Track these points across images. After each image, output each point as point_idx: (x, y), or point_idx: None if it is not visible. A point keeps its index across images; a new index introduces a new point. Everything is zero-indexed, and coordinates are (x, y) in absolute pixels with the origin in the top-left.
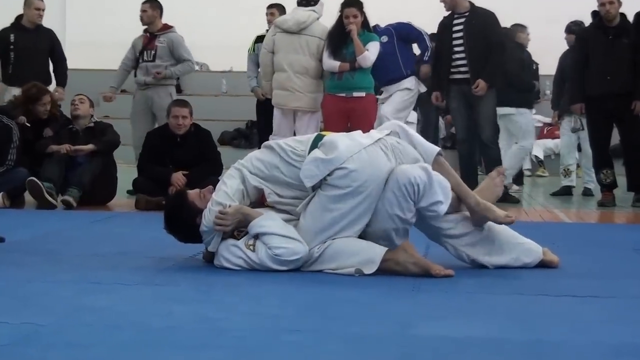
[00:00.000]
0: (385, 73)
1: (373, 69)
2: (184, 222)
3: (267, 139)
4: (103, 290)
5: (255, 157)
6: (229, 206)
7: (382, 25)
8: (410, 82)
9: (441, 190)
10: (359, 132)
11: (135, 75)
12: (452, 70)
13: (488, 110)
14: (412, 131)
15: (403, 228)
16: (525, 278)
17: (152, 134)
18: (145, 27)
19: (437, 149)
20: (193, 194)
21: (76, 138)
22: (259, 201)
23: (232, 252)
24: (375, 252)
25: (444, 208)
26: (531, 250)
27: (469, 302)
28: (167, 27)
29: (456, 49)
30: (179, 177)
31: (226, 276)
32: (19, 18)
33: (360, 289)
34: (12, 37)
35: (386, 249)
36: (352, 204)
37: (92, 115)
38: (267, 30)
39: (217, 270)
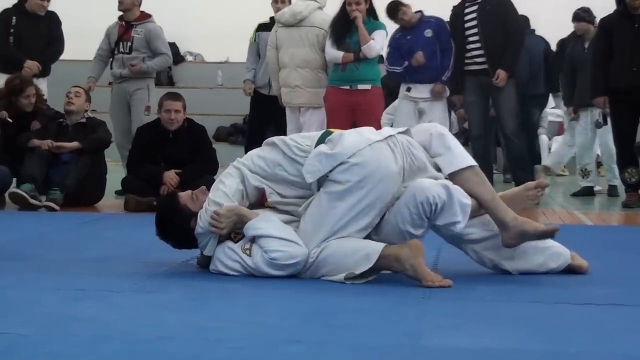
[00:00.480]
0: (422, 70)
1: (408, 58)
2: (177, 227)
3: (256, 137)
4: (90, 298)
5: (256, 155)
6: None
7: (428, 13)
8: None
9: (460, 209)
10: (370, 128)
11: (111, 67)
12: (467, 61)
13: (510, 102)
14: (450, 136)
15: None
16: (545, 285)
17: (142, 130)
18: (121, 13)
19: (470, 162)
20: (185, 196)
21: (64, 134)
22: (259, 202)
23: (229, 256)
24: (372, 248)
25: (461, 227)
26: (559, 254)
27: (485, 311)
28: (145, 16)
29: (470, 38)
30: (171, 176)
31: (222, 283)
32: (22, 0)
33: (367, 297)
34: (13, 19)
35: (384, 244)
36: (352, 201)
37: (86, 110)
38: (271, 19)
39: (212, 276)
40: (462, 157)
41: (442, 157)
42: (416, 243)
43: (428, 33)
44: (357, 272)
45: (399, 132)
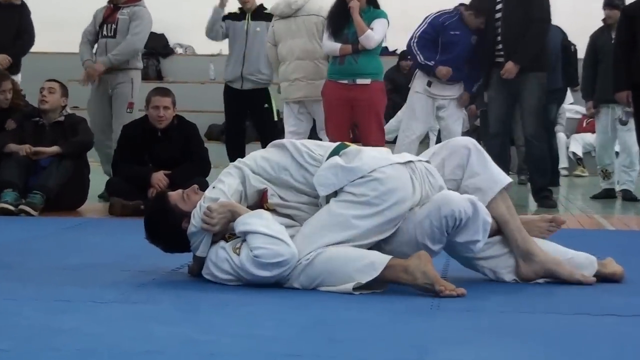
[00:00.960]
0: (454, 67)
1: (443, 52)
2: (167, 229)
3: (235, 137)
4: (73, 310)
5: (260, 156)
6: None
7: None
8: (461, 90)
9: (482, 227)
10: (388, 150)
11: (95, 54)
12: (496, 53)
13: (532, 100)
14: (489, 157)
15: None
16: (562, 295)
17: (128, 128)
18: None
19: (507, 180)
20: (175, 195)
21: (41, 134)
22: (258, 204)
23: (219, 256)
24: (377, 257)
25: (480, 246)
26: (583, 265)
27: (498, 323)
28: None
29: (499, 30)
30: (159, 178)
31: (215, 292)
32: None
33: (369, 308)
34: None
35: (390, 256)
36: (362, 215)
37: (63, 107)
38: (240, 9)
39: (204, 285)
40: (499, 178)
41: (480, 178)
42: (424, 253)
43: (474, 40)
44: (363, 281)
45: (419, 160)
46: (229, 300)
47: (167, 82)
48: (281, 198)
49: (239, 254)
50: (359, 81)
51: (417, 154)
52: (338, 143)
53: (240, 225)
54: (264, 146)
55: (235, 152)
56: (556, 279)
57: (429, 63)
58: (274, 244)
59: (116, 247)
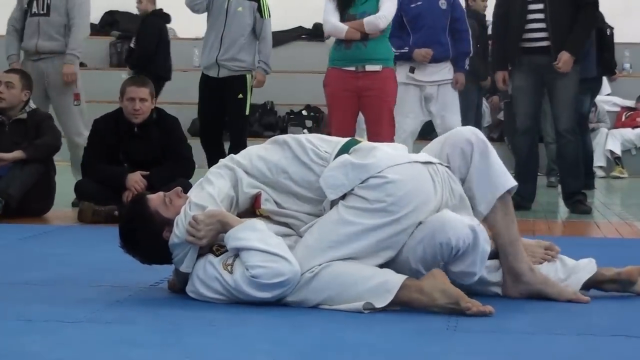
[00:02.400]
0: (432, 47)
1: (414, 30)
2: (146, 238)
3: (212, 133)
4: (36, 330)
5: (257, 155)
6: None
7: None
8: (451, 72)
9: (480, 259)
10: (404, 146)
11: (21, 40)
12: (525, 37)
13: (568, 93)
14: (494, 153)
15: None
16: (594, 314)
17: (100, 123)
18: None
19: (512, 184)
20: (156, 199)
21: (0, 134)
22: (250, 210)
23: (208, 274)
24: (390, 275)
25: (475, 279)
26: (580, 266)
27: (523, 346)
28: None
29: (531, 7)
30: (136, 180)
31: (199, 311)
32: None
33: (377, 329)
34: None
35: (405, 276)
36: (378, 223)
37: (26, 102)
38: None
39: (187, 303)
40: (499, 182)
41: (478, 183)
42: (438, 271)
43: (443, 4)
44: (377, 305)
45: (440, 163)
46: (216, 320)
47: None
48: (277, 204)
49: (231, 272)
50: (369, 68)
51: (415, 152)
52: (349, 138)
53: (232, 241)
54: (233, 144)
55: (212, 151)
56: (550, 297)
57: (403, 51)
58: (273, 261)
59: (86, 258)
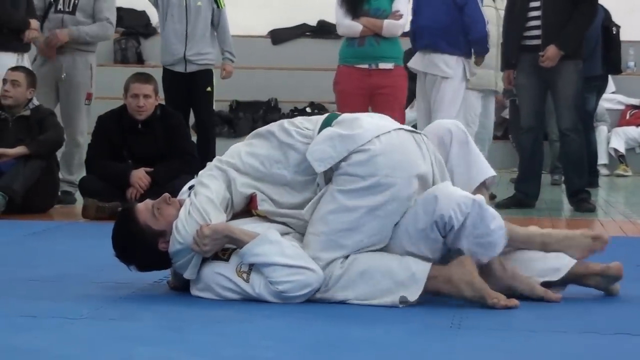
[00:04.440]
0: (428, 31)
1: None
2: (141, 253)
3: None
4: (40, 327)
5: (245, 152)
6: (209, 222)
7: None
8: (449, 62)
9: (495, 227)
10: (385, 116)
11: (42, 30)
12: (525, 34)
13: (569, 90)
14: (473, 144)
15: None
16: (600, 312)
17: (104, 119)
18: None
19: (490, 173)
20: (144, 212)
21: (4, 130)
22: (245, 210)
23: (218, 283)
24: (417, 266)
25: (496, 252)
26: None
27: (526, 344)
28: None
29: (532, 4)
30: (140, 176)
31: (203, 308)
32: None
33: (380, 326)
34: None
35: (431, 263)
36: (378, 201)
37: (30, 100)
38: None
39: (190, 300)
40: (482, 168)
41: (459, 165)
42: (467, 258)
43: None
44: (411, 299)
45: (423, 134)
46: (219, 316)
47: (149, 66)
48: (274, 202)
49: (247, 280)
50: (382, 65)
51: None
52: (328, 113)
53: (249, 257)
54: (199, 137)
55: None
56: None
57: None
58: (297, 274)
59: (90, 255)
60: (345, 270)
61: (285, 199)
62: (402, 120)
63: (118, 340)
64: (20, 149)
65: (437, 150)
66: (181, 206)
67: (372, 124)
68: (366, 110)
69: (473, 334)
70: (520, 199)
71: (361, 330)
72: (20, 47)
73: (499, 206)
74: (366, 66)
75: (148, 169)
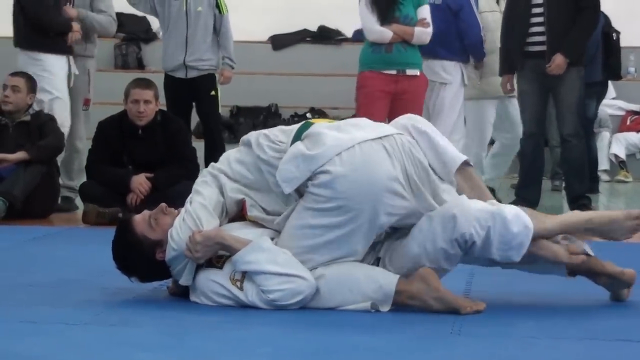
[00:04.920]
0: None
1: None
2: (139, 265)
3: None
4: (40, 333)
5: (234, 159)
6: (202, 228)
7: None
8: (447, 68)
9: (521, 237)
10: (359, 120)
11: None
12: (528, 41)
13: (572, 96)
14: (434, 131)
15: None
16: (600, 318)
17: (104, 125)
18: None
19: (462, 157)
20: (141, 224)
21: (4, 135)
22: (238, 215)
23: (213, 290)
24: (386, 281)
25: (521, 255)
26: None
27: (526, 350)
28: None
29: (535, 10)
30: (140, 182)
31: (202, 314)
32: None
33: (381, 332)
34: None
35: (398, 277)
36: (339, 221)
37: (30, 105)
38: None
39: (189, 306)
40: (452, 155)
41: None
42: (429, 273)
43: (437, 0)
44: (382, 309)
45: (399, 133)
46: (219, 322)
47: (149, 72)
48: (263, 209)
49: (240, 288)
50: (409, 72)
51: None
52: (302, 122)
53: (241, 265)
54: (207, 142)
55: None
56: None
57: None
58: (288, 282)
59: (90, 260)
60: (318, 289)
61: (273, 207)
62: None
63: (118, 346)
64: (20, 155)
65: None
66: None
67: (335, 140)
68: (385, 115)
69: (473, 340)
70: (522, 205)
71: (361, 336)
72: (67, 49)
73: None
74: (394, 72)
75: (148, 175)
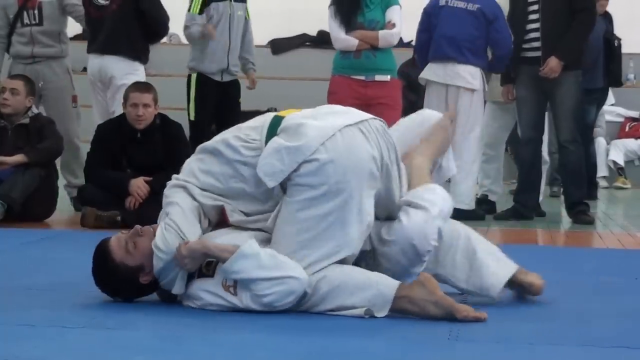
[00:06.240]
0: (453, 42)
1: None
2: (123, 289)
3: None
4: (37, 336)
5: (198, 170)
6: (185, 241)
7: None
8: (474, 74)
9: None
10: (331, 106)
11: (7, 47)
12: (524, 46)
13: (569, 102)
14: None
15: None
16: (599, 325)
17: (103, 128)
18: None
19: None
20: (117, 251)
21: (3, 138)
22: (221, 221)
23: (207, 299)
24: (387, 286)
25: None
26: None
27: (524, 356)
28: None
29: (531, 16)
30: (139, 185)
31: (199, 318)
32: None
33: (379, 337)
34: None
35: (399, 282)
36: (329, 207)
37: (29, 108)
38: None
39: (187, 310)
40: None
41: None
42: (426, 276)
43: (472, 6)
44: (379, 315)
45: (372, 118)
46: (216, 326)
47: (149, 75)
48: (243, 213)
49: (234, 293)
50: (378, 78)
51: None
52: (271, 117)
53: (229, 274)
54: None
55: None
56: None
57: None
58: (279, 284)
59: (88, 264)
60: (315, 289)
61: (252, 208)
62: None
63: (115, 349)
64: (19, 157)
65: (389, 133)
66: (154, 232)
67: (316, 129)
68: None
69: (471, 346)
70: (519, 210)
71: (358, 341)
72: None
73: (498, 218)
74: (362, 78)
75: (147, 178)
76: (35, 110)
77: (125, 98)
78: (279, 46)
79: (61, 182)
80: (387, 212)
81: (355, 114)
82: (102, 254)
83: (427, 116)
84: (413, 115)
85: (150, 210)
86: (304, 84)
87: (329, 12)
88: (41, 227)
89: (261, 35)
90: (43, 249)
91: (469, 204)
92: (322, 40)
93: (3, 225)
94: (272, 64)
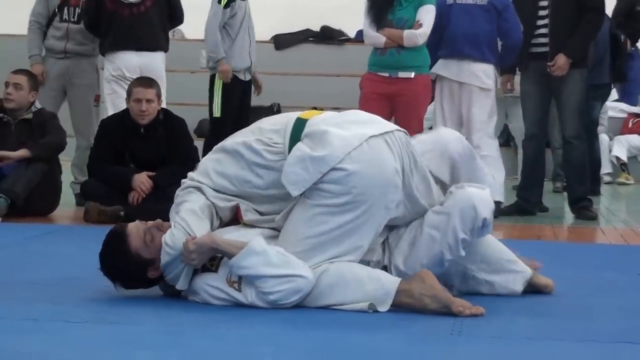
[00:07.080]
0: (468, 39)
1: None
2: (130, 282)
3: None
4: (41, 330)
5: (214, 171)
6: (193, 236)
7: None
8: (489, 72)
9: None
10: (357, 112)
11: (44, 38)
12: (533, 42)
13: (575, 98)
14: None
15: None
16: (600, 320)
17: (107, 123)
18: None
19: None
20: (136, 239)
21: (6, 133)
22: (234, 220)
23: (211, 294)
24: (388, 281)
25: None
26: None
27: (526, 351)
28: None
29: (541, 12)
30: (142, 180)
31: (203, 312)
32: None
33: (381, 332)
34: None
35: (399, 278)
36: (347, 218)
37: (32, 103)
38: None
39: (191, 304)
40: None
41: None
42: (425, 272)
43: (481, 0)
44: (381, 309)
45: (398, 130)
46: (219, 321)
47: None
48: (258, 212)
49: (238, 289)
50: (402, 74)
51: None
52: (294, 119)
53: (237, 270)
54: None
55: None
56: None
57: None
58: (287, 282)
59: (91, 258)
60: (317, 283)
61: (266, 208)
62: (420, 126)
63: (118, 344)
64: (22, 152)
65: (414, 146)
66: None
67: (341, 139)
68: (386, 114)
69: (473, 341)
70: (522, 206)
71: (361, 336)
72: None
73: (501, 213)
74: (387, 74)
75: (150, 173)
76: (38, 105)
77: (129, 93)
78: (281, 42)
79: (67, 178)
80: (412, 215)
81: (381, 124)
82: (118, 238)
83: (445, 149)
84: (432, 139)
85: (153, 205)
86: (306, 80)
87: (365, 9)
88: (44, 222)
89: (264, 30)
90: (46, 243)
91: (500, 197)
92: (325, 35)
93: (6, 220)
94: (275, 59)
